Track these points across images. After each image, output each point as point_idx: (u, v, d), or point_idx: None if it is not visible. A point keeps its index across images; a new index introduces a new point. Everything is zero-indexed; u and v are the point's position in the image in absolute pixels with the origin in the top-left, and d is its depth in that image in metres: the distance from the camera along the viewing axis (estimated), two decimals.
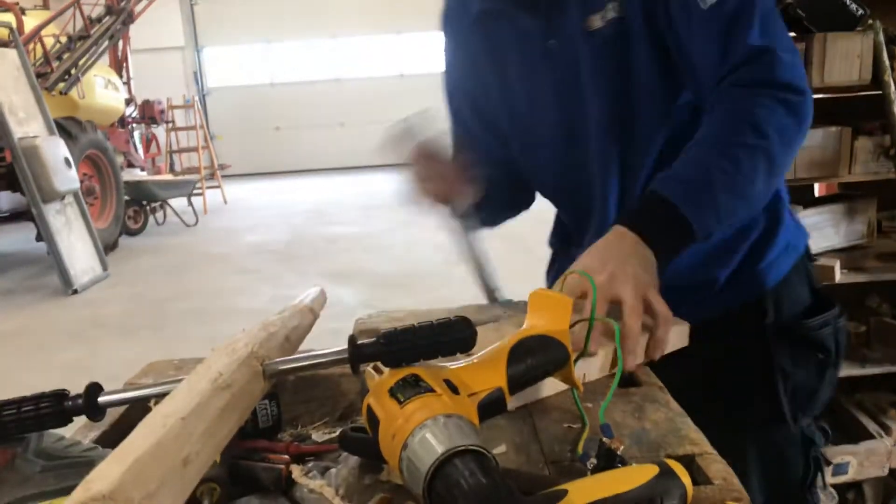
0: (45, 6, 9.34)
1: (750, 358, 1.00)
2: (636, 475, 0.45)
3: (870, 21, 1.70)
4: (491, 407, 0.56)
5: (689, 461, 0.57)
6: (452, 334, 0.55)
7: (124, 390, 0.59)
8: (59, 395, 0.56)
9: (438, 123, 1.07)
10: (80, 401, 0.56)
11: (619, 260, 0.74)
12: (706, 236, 0.79)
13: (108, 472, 0.38)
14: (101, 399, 0.57)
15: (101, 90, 7.95)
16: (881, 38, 1.70)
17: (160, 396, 0.55)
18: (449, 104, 1.16)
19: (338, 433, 0.61)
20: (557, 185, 1.09)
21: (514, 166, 1.11)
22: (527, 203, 1.21)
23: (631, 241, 0.77)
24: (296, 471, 0.58)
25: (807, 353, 1.03)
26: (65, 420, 0.56)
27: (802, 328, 1.02)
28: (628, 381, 0.75)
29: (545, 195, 1.13)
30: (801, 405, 1.02)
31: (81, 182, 6.28)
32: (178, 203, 8.44)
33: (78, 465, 0.55)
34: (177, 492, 0.41)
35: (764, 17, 0.84)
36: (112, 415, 0.72)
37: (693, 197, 0.79)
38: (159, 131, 11.00)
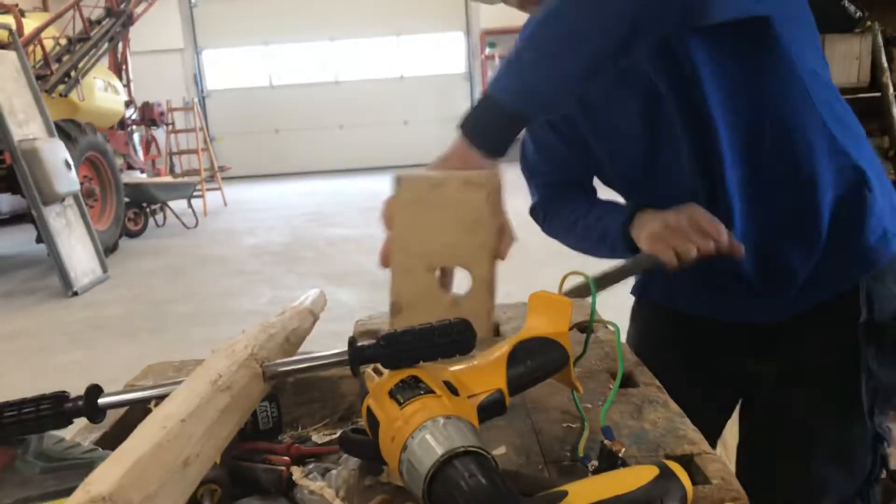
0: (45, 8, 9.36)
1: (837, 355, 0.97)
2: (636, 476, 0.45)
3: (868, 23, 1.70)
4: (491, 408, 0.56)
5: (687, 461, 0.57)
6: (452, 336, 0.55)
7: (124, 392, 0.59)
8: (60, 397, 0.56)
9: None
10: (80, 402, 0.56)
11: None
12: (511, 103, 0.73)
13: (108, 473, 0.38)
14: (101, 401, 0.57)
15: (101, 92, 7.95)
16: (879, 40, 1.70)
17: (160, 398, 0.55)
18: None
19: (338, 435, 0.61)
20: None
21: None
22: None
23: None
24: (296, 472, 0.58)
25: (894, 353, 0.99)
26: (65, 422, 0.57)
27: (894, 329, 0.97)
28: (627, 382, 0.75)
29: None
30: (881, 403, 0.99)
31: (81, 184, 6.28)
32: (178, 205, 8.45)
33: (78, 467, 0.55)
34: (177, 493, 0.41)
35: None
36: (112, 416, 0.72)
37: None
38: (159, 133, 11.00)
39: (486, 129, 0.75)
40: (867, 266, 0.96)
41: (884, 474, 1.05)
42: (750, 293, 0.99)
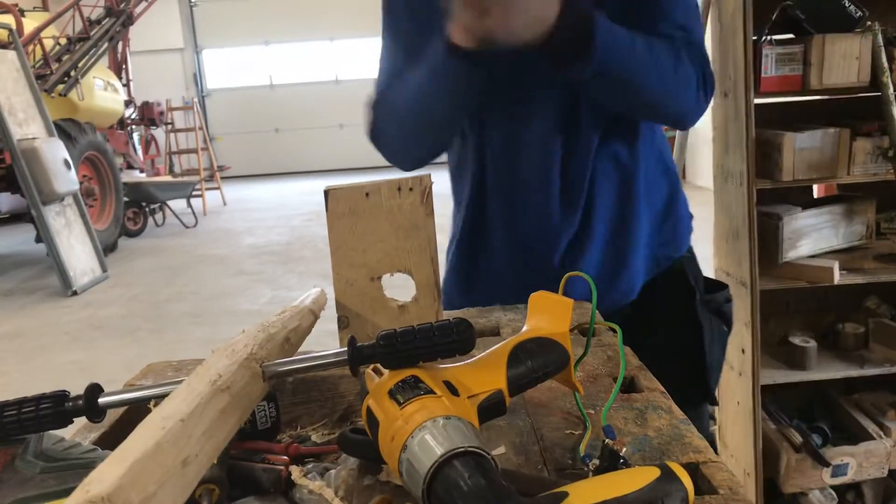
0: (45, 8, 9.35)
1: (684, 340, 1.07)
2: (637, 477, 0.45)
3: (868, 23, 1.70)
4: (491, 409, 0.56)
5: (693, 469, 0.56)
6: (452, 336, 0.55)
7: (124, 391, 0.59)
8: (60, 397, 0.56)
9: None
10: (80, 402, 0.56)
11: None
12: (595, 67, 0.83)
13: (107, 474, 0.38)
14: (101, 400, 0.57)
15: (101, 92, 7.95)
16: (880, 39, 1.70)
17: (160, 398, 0.55)
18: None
19: (337, 434, 0.60)
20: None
21: None
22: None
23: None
24: (295, 472, 0.58)
25: (719, 327, 1.11)
26: (65, 421, 0.56)
27: (713, 302, 1.11)
28: (630, 386, 0.75)
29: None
30: (714, 382, 1.10)
31: (81, 183, 6.28)
32: (178, 204, 8.44)
33: (77, 467, 0.55)
34: (176, 493, 0.41)
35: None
36: (111, 416, 0.72)
37: (610, 32, 0.84)
38: (158, 133, 11.00)
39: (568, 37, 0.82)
40: (682, 247, 1.12)
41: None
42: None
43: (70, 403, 0.56)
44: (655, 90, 0.93)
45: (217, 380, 0.50)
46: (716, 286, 1.15)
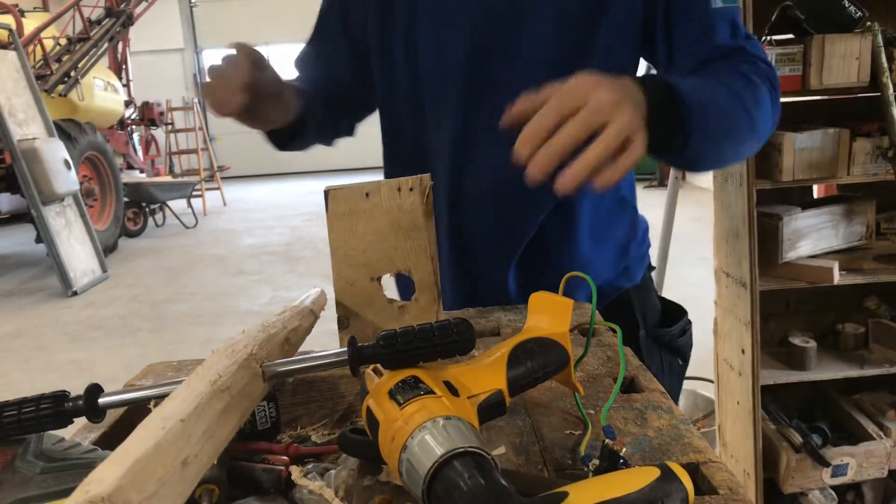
0: (45, 8, 9.35)
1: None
2: (637, 478, 0.45)
3: (868, 23, 1.70)
4: (491, 409, 0.56)
5: (693, 469, 0.56)
6: (452, 336, 0.55)
7: (124, 391, 0.59)
8: (60, 397, 0.56)
9: None
10: (80, 402, 0.56)
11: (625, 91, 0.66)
12: (687, 137, 0.74)
13: (107, 474, 0.38)
14: (101, 400, 0.57)
15: (101, 92, 7.95)
16: (880, 39, 1.70)
17: (160, 398, 0.55)
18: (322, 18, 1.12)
19: (337, 434, 0.61)
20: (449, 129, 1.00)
21: (352, 90, 1.10)
22: (346, 132, 1.18)
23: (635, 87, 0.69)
24: (295, 472, 0.58)
25: (671, 360, 1.07)
26: (65, 421, 0.56)
27: (666, 336, 1.06)
28: (630, 387, 0.75)
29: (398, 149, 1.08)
30: None
31: (81, 184, 6.28)
32: (178, 205, 8.44)
33: (77, 467, 0.55)
34: (176, 493, 0.41)
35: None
36: (111, 416, 0.72)
37: (693, 93, 0.75)
38: (158, 133, 11.00)
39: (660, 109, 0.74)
40: (635, 277, 1.08)
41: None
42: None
43: (70, 404, 0.56)
44: (745, 132, 0.84)
45: (217, 380, 0.50)
46: (674, 314, 1.11)
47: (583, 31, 0.91)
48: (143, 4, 8.41)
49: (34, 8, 8.83)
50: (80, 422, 0.62)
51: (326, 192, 0.76)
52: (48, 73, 6.92)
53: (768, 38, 1.76)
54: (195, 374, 0.51)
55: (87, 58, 7.41)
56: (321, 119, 1.05)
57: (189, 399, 0.47)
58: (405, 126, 1.04)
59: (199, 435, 0.44)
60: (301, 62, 1.15)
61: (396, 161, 1.09)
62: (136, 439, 0.42)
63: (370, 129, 1.24)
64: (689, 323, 1.11)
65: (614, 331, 0.70)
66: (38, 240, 5.69)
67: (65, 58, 7.27)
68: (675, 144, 0.74)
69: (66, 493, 0.49)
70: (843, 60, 1.70)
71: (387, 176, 1.08)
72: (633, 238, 1.08)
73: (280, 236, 7.30)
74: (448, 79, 0.97)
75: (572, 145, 0.61)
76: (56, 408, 0.56)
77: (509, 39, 0.93)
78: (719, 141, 0.81)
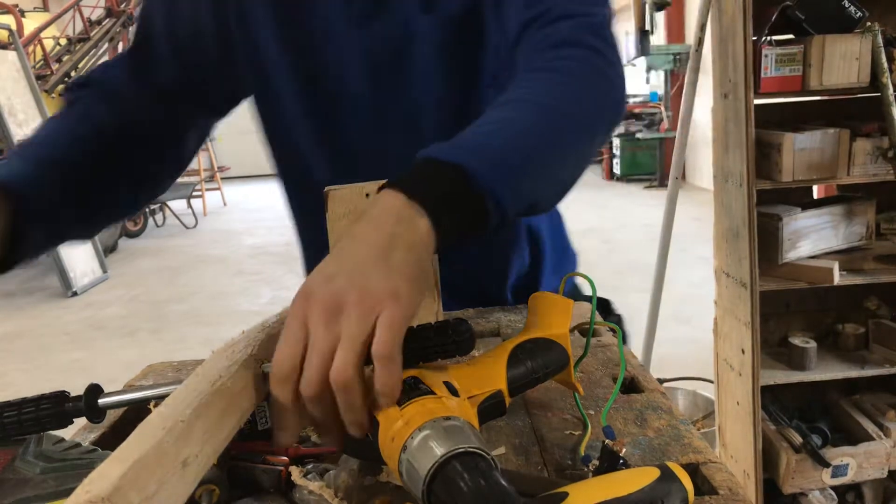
0: (45, 8, 9.35)
1: None
2: (637, 478, 0.45)
3: (868, 23, 1.70)
4: (491, 409, 0.56)
5: (693, 470, 0.57)
6: (451, 337, 0.55)
7: (124, 392, 0.59)
8: (60, 397, 0.56)
9: None
10: (80, 402, 0.56)
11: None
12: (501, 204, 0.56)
13: (107, 474, 0.38)
14: (101, 401, 0.57)
15: None
16: (880, 40, 1.70)
17: (160, 398, 0.55)
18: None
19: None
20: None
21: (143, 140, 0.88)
22: (122, 211, 0.91)
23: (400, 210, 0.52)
24: (295, 472, 0.58)
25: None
26: (65, 421, 0.56)
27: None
28: (630, 387, 0.75)
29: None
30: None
31: None
32: (178, 205, 8.44)
33: (77, 468, 0.55)
34: (176, 494, 0.41)
35: None
36: (112, 417, 0.72)
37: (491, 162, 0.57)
38: None
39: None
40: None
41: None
42: None
43: (70, 404, 0.56)
44: (572, 141, 0.66)
45: (217, 380, 0.50)
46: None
47: (465, 62, 0.84)
48: None
49: (34, 8, 8.84)
50: (80, 422, 0.62)
51: (326, 193, 0.76)
52: (48, 73, 6.92)
53: (768, 38, 1.76)
54: (195, 374, 0.51)
55: (87, 58, 7.42)
56: (65, 210, 0.76)
57: (189, 400, 0.47)
58: (308, 164, 0.95)
59: (198, 435, 0.44)
60: (73, 95, 0.86)
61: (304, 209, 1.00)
62: (136, 440, 0.42)
63: None
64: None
65: (614, 331, 0.70)
66: None
67: (65, 58, 7.27)
68: (492, 216, 0.56)
69: (66, 493, 0.49)
70: (843, 61, 1.70)
71: (301, 239, 1.03)
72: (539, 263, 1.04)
73: (280, 236, 7.30)
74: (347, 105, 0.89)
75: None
76: (56, 408, 0.56)
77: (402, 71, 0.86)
78: (548, 173, 0.63)
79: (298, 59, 0.87)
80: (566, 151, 0.65)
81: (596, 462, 0.57)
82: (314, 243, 0.99)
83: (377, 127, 0.89)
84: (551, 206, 0.71)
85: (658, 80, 8.14)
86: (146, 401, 0.58)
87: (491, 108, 0.63)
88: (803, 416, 2.03)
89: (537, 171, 0.61)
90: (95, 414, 0.57)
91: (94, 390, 0.57)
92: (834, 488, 1.94)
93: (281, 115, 0.92)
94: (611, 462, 0.56)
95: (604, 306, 1.06)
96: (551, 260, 1.03)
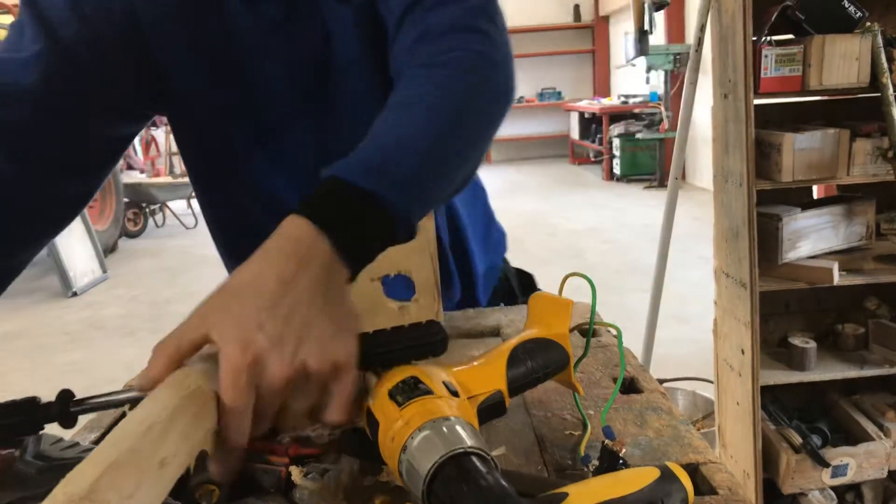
0: None
1: None
2: (637, 478, 0.45)
3: (868, 23, 1.70)
4: (490, 409, 0.56)
5: (692, 470, 0.57)
6: (424, 338, 0.55)
7: (97, 397, 0.57)
8: (31, 404, 0.54)
9: None
10: (51, 409, 0.55)
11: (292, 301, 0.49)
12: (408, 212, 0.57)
13: (85, 474, 0.38)
14: (73, 409, 0.55)
15: None
16: (879, 40, 1.70)
17: (135, 402, 0.55)
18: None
19: (337, 435, 0.61)
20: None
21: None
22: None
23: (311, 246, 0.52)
24: (295, 472, 0.58)
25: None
26: (36, 429, 0.55)
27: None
28: (629, 387, 0.75)
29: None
30: None
31: None
32: (178, 205, 8.44)
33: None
34: (154, 494, 0.41)
35: None
36: (111, 417, 0.72)
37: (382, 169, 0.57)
38: (159, 134, 10.99)
39: None
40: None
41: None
42: None
43: (41, 413, 0.54)
44: (466, 133, 0.66)
45: (191, 385, 0.49)
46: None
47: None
48: None
49: None
50: (81, 423, 0.62)
51: None
52: None
53: (768, 38, 1.76)
54: (170, 378, 0.50)
55: None
56: None
57: (165, 401, 0.46)
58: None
59: (175, 437, 0.44)
60: None
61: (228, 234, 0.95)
62: (112, 440, 0.42)
63: None
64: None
65: (614, 332, 0.70)
66: None
67: None
68: (401, 232, 0.57)
69: None
70: (843, 61, 1.70)
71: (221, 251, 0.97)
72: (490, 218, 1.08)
73: None
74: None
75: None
76: (26, 415, 0.54)
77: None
78: (453, 175, 0.64)
79: (217, 80, 0.82)
80: (468, 149, 0.66)
81: (596, 462, 0.57)
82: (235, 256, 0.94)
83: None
84: (455, 195, 0.73)
85: (658, 80, 8.13)
86: (120, 404, 0.57)
87: (387, 111, 0.63)
88: (803, 416, 2.03)
89: (442, 176, 0.62)
90: (67, 420, 0.55)
91: (66, 396, 0.56)
92: (834, 488, 1.94)
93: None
94: (611, 462, 0.56)
95: (528, 283, 1.11)
96: (475, 235, 1.01)
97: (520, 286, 1.13)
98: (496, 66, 0.69)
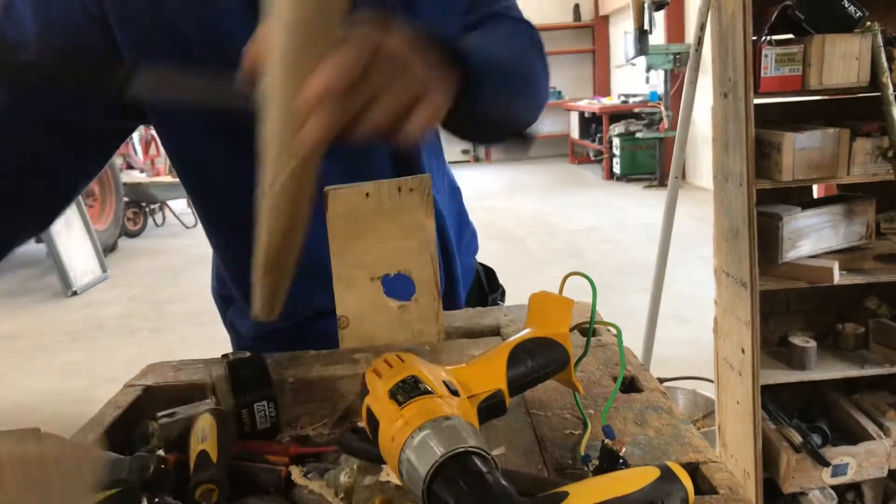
0: None
1: None
2: (637, 478, 0.45)
3: (868, 23, 1.70)
4: (491, 409, 0.56)
5: (693, 469, 0.56)
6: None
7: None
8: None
9: None
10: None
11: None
12: (478, 92, 0.65)
13: None
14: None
15: None
16: (879, 39, 1.70)
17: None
18: None
19: (337, 434, 0.61)
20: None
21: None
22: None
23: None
24: (295, 472, 0.58)
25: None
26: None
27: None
28: (630, 386, 0.75)
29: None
30: None
31: None
32: (178, 205, 8.44)
33: None
34: None
35: None
36: (111, 417, 0.72)
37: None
38: None
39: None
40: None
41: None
42: None
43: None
44: (531, 92, 0.82)
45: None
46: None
47: None
48: None
49: None
50: (81, 422, 0.62)
51: (326, 193, 0.76)
52: None
53: (768, 37, 1.76)
54: None
55: None
56: None
57: None
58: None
59: None
60: None
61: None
62: None
63: None
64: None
65: (614, 331, 0.70)
66: (38, 239, 5.68)
67: None
68: (463, 103, 0.63)
69: None
70: (843, 60, 1.70)
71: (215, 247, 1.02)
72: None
73: None
74: None
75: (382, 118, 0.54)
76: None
77: None
78: (509, 98, 0.76)
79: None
80: (524, 97, 0.80)
81: (596, 462, 0.57)
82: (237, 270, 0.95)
83: None
84: (490, 135, 0.86)
85: (658, 80, 8.13)
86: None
87: (482, 32, 0.79)
88: (803, 415, 2.03)
89: (507, 91, 0.74)
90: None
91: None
92: (834, 488, 1.94)
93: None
94: (611, 462, 0.56)
95: (491, 275, 1.14)
96: (455, 236, 1.03)
97: (487, 282, 1.16)
98: (545, 63, 0.87)
